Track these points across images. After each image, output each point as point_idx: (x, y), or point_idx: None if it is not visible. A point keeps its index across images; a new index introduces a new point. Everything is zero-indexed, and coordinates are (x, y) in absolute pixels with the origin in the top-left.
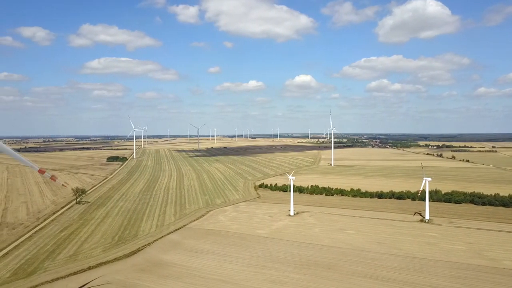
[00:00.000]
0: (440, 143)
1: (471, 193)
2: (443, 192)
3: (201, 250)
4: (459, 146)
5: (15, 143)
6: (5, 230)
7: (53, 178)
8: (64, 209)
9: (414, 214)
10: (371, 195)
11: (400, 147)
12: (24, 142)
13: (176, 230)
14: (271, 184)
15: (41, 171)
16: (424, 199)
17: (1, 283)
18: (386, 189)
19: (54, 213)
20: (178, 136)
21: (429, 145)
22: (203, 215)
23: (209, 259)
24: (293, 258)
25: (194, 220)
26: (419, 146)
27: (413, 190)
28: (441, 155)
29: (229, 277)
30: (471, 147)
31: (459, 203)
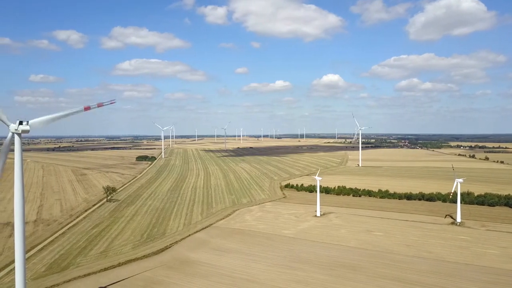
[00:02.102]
0: (473, 144)
1: (505, 195)
2: (475, 194)
3: (228, 249)
4: (493, 147)
5: (50, 142)
6: (41, 226)
7: (99, 104)
8: (96, 206)
9: (445, 217)
10: (399, 196)
11: (431, 147)
12: (58, 142)
13: (203, 228)
14: (297, 185)
15: (87, 108)
16: (455, 201)
17: (37, 277)
18: (415, 191)
19: (86, 211)
20: (206, 136)
21: (461, 145)
22: (230, 214)
23: (235, 258)
24: (319, 259)
25: (221, 219)
26: (451, 146)
27: (444, 192)
28: (473, 156)
29: (255, 277)
30: (506, 148)
31: (493, 206)
